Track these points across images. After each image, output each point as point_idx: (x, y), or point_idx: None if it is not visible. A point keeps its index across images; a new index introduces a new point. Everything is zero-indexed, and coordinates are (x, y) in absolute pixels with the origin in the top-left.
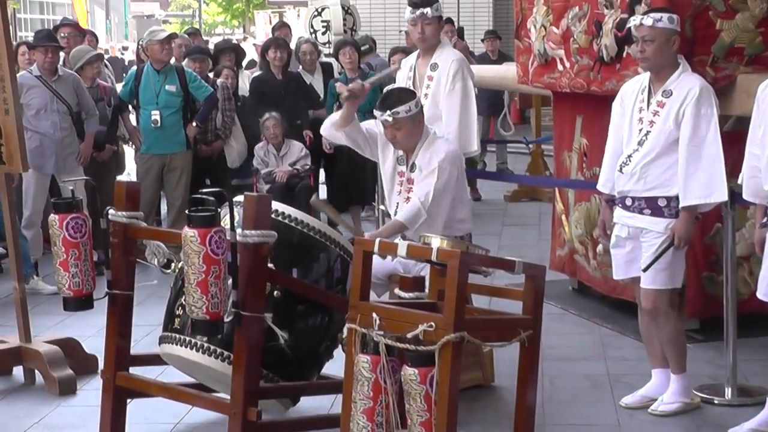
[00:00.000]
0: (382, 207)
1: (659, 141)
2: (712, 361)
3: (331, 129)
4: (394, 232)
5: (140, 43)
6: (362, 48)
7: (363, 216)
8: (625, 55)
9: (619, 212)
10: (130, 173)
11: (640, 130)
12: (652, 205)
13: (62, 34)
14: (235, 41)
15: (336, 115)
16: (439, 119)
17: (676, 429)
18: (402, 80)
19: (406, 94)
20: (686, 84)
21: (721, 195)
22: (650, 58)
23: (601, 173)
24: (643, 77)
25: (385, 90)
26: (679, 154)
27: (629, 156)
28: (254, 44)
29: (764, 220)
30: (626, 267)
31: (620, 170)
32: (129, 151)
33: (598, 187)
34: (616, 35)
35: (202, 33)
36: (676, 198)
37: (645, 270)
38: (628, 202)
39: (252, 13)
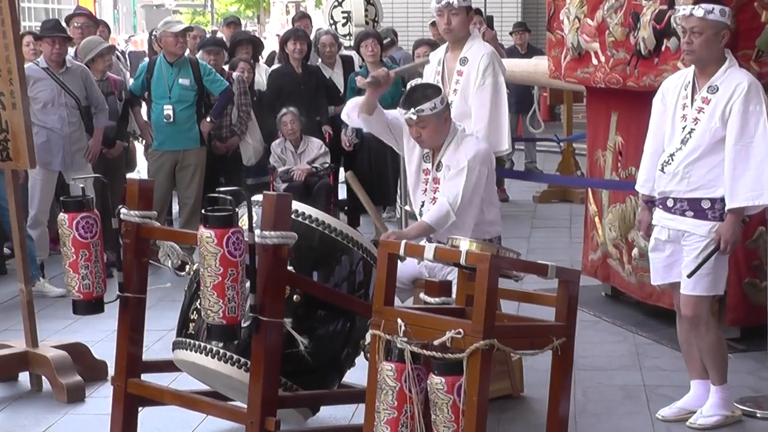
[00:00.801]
0: (406, 207)
1: (704, 139)
2: (754, 372)
3: (352, 113)
4: (421, 234)
5: (153, 33)
6: (384, 41)
7: (384, 217)
8: (663, 48)
9: (659, 214)
10: (140, 171)
11: (684, 128)
12: (695, 207)
13: (75, 24)
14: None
15: (358, 99)
16: (469, 116)
17: None
18: (430, 75)
19: (432, 91)
20: (733, 79)
21: None
22: (696, 51)
23: (639, 173)
24: (687, 72)
25: (408, 86)
26: (725, 154)
27: (671, 155)
28: (275, 35)
29: None
30: (665, 272)
31: (662, 170)
32: (139, 148)
33: (637, 187)
34: (654, 27)
35: (213, 24)
36: (721, 200)
37: (690, 276)
38: (670, 203)
39: (267, 2)
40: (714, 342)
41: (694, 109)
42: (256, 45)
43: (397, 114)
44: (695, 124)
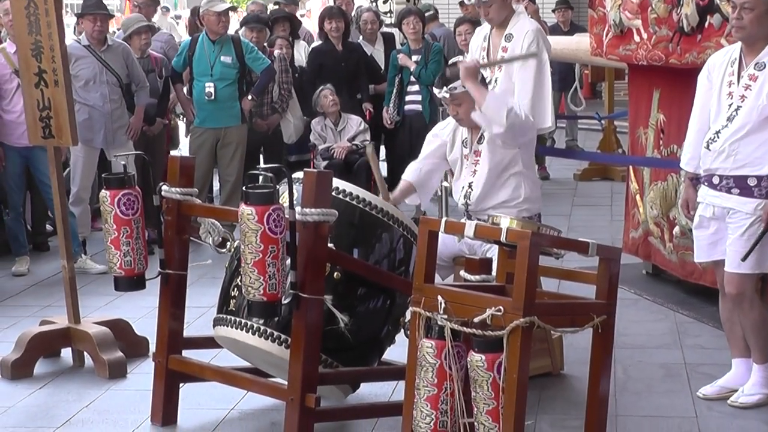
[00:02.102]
0: (445, 184)
1: (751, 117)
2: None
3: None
4: (477, 97)
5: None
6: (426, 14)
7: None
8: (707, 25)
9: (704, 191)
10: (182, 149)
11: (730, 105)
12: (741, 184)
13: (135, 2)
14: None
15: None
16: (513, 93)
17: (756, 423)
18: (476, 50)
19: None
20: None
21: None
22: (746, 28)
23: (684, 150)
24: (733, 48)
25: (450, 62)
26: None
27: (717, 132)
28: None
29: None
30: (709, 249)
31: (707, 147)
32: (182, 126)
33: (682, 165)
34: (697, 4)
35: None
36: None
37: (744, 260)
38: (716, 180)
39: None
40: (757, 320)
41: (740, 86)
42: (294, 22)
43: (436, 142)
44: (742, 101)
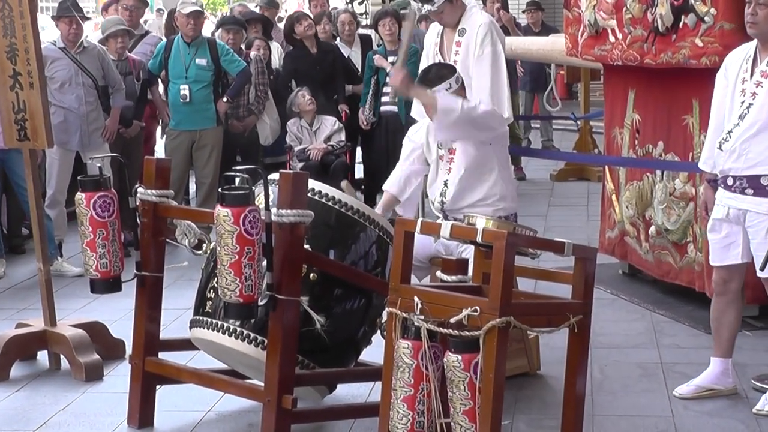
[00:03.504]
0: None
1: (761, 114)
2: None
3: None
4: (424, 101)
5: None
6: (402, 11)
7: None
8: (681, 25)
9: (720, 193)
10: (157, 150)
11: (742, 103)
12: (754, 184)
13: (124, 5)
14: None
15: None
16: (468, 86)
17: (733, 422)
18: (429, 46)
19: (446, 71)
20: None
21: None
22: (760, 24)
23: (703, 150)
24: (750, 46)
25: (424, 66)
26: None
27: (729, 132)
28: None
29: None
30: (722, 253)
31: (720, 147)
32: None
33: (700, 165)
34: (672, 4)
35: (225, 4)
36: None
37: (762, 268)
38: (730, 181)
39: None
40: None
41: (753, 83)
42: (266, 24)
43: (411, 145)
44: (753, 99)
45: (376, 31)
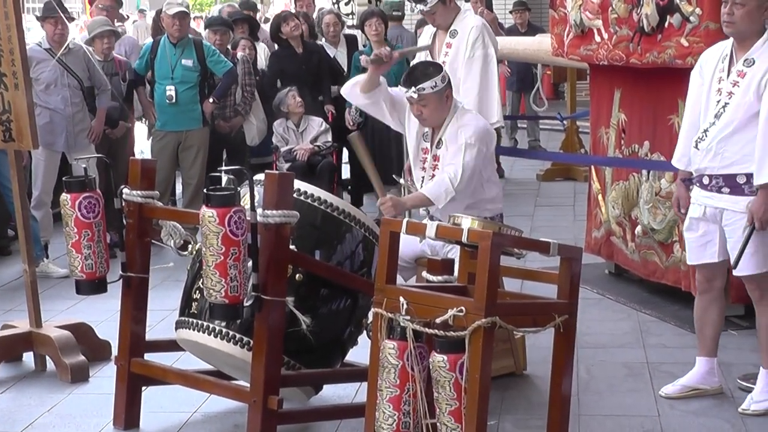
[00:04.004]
0: (402, 181)
1: (737, 114)
2: (757, 349)
3: (354, 90)
4: (418, 205)
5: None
6: (394, 13)
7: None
8: (667, 25)
9: (696, 192)
10: (143, 151)
11: (718, 102)
12: (730, 183)
13: (100, 5)
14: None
15: (360, 77)
16: (457, 88)
17: (719, 421)
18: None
19: (433, 69)
20: None
21: None
22: (737, 23)
23: (676, 148)
24: (726, 44)
25: (411, 64)
26: (758, 128)
27: (705, 131)
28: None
29: None
30: (699, 251)
31: (696, 146)
32: (142, 129)
33: (674, 162)
34: (657, 4)
35: (213, 3)
36: None
37: (735, 266)
38: (705, 180)
39: None
40: None
41: (729, 82)
42: (252, 24)
43: (400, 92)
44: (729, 98)
45: (363, 31)
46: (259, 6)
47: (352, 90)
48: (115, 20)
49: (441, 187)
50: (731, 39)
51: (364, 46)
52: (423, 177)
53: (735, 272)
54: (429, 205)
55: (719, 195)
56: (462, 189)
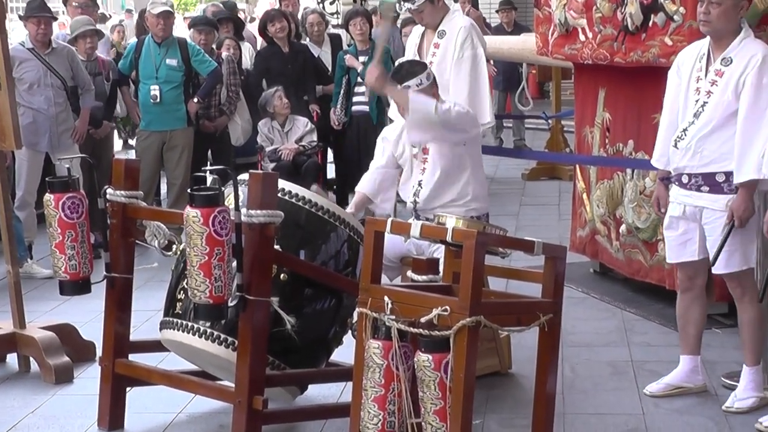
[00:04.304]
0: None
1: (716, 113)
2: (740, 347)
3: (383, 204)
4: (399, 101)
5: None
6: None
7: None
8: (651, 24)
9: (675, 191)
10: (128, 153)
11: (697, 101)
12: (710, 182)
13: (75, 3)
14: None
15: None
16: (445, 89)
17: (703, 419)
18: (410, 48)
19: (418, 67)
20: (748, 51)
21: None
22: (713, 22)
23: (655, 147)
24: (703, 43)
25: (396, 63)
26: (737, 127)
27: (684, 130)
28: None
29: None
30: (679, 250)
31: (675, 145)
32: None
33: (653, 162)
34: (641, 3)
35: (198, 2)
36: None
37: (713, 263)
38: (685, 179)
39: None
40: (756, 318)
41: (707, 81)
42: (237, 23)
43: (388, 147)
44: (708, 98)
45: (347, 30)
46: (243, 6)
47: (382, 204)
48: (123, 21)
49: (427, 102)
50: (708, 38)
51: (348, 45)
52: (416, 182)
53: (714, 270)
54: (406, 106)
55: (699, 193)
56: (441, 123)
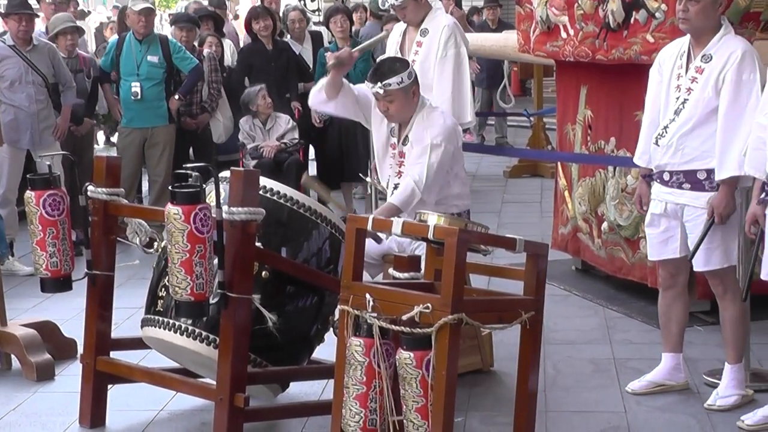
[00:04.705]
0: (368, 180)
1: (697, 110)
2: (722, 344)
3: (319, 97)
4: (389, 215)
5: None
6: (381, 12)
7: (354, 193)
8: (632, 21)
9: (657, 188)
10: (110, 150)
11: (677, 99)
12: (691, 179)
13: (48, 0)
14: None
15: (322, 83)
16: (428, 88)
17: (684, 417)
18: (391, 46)
19: (399, 65)
20: (728, 47)
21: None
22: (692, 20)
23: (638, 145)
24: (683, 41)
25: (377, 60)
26: (717, 124)
27: (665, 127)
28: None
29: (763, 195)
30: (660, 247)
31: (656, 143)
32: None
33: (635, 159)
34: (623, 0)
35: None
36: None
37: (691, 258)
38: (666, 176)
39: None
40: (738, 315)
41: (687, 78)
42: (218, 20)
43: (366, 88)
44: (688, 95)
45: (328, 27)
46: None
47: (317, 97)
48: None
49: (407, 192)
50: (688, 35)
51: (329, 42)
52: (389, 176)
53: (695, 267)
54: (399, 213)
55: (680, 191)
56: (429, 189)
